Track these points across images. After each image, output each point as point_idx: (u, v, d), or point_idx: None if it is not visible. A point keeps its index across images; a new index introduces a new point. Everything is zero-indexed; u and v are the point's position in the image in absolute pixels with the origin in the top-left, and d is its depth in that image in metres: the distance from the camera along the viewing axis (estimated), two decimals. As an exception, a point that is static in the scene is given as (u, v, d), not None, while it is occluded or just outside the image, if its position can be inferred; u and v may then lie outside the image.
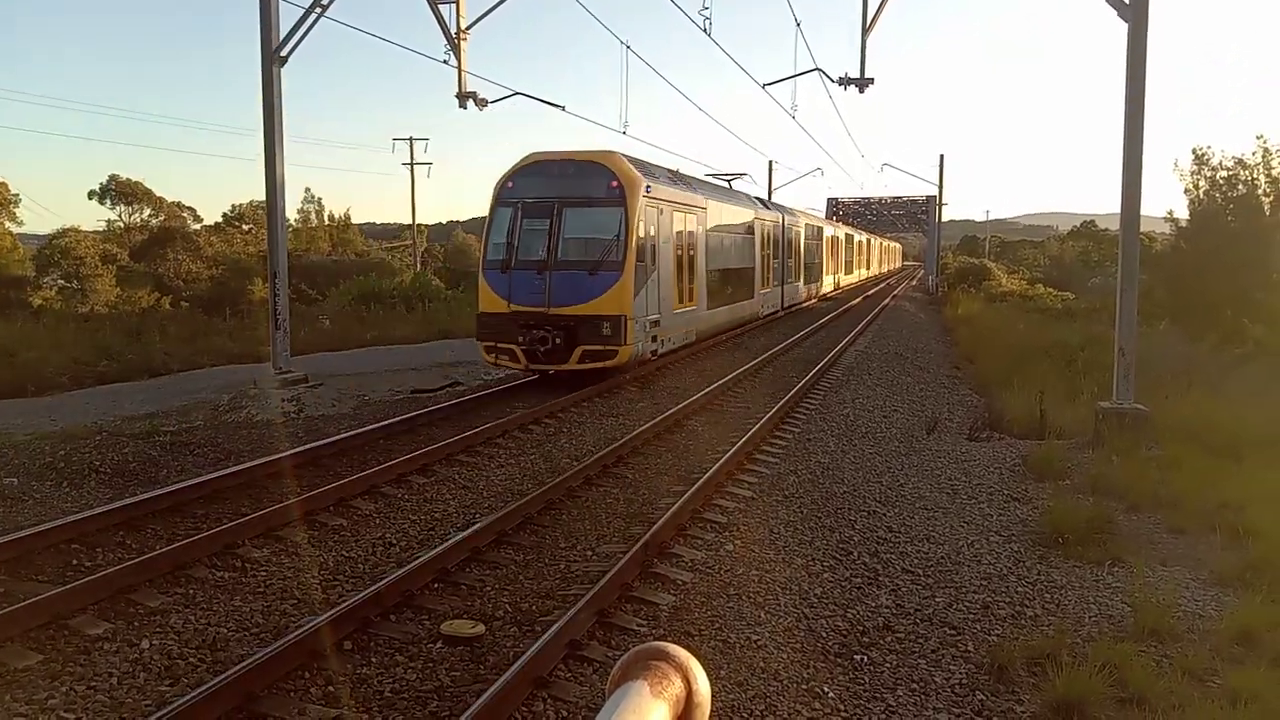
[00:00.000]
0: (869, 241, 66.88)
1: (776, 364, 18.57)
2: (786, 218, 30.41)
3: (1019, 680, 5.39)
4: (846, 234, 51.46)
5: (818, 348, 21.26)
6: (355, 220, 59.32)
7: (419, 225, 55.61)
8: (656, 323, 15.59)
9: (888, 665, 5.51)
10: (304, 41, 15.21)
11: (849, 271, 51.76)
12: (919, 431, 12.73)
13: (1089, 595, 6.86)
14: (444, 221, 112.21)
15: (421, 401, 13.83)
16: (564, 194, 14.38)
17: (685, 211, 16.96)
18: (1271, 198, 31.74)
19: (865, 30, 12.37)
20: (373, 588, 5.94)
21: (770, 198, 40.46)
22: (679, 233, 16.58)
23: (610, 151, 14.99)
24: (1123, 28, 11.41)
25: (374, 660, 5.29)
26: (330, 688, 4.98)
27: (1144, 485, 9.53)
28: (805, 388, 14.83)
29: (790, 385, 14.78)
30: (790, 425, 12.25)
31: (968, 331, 26.03)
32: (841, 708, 4.98)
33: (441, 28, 14.21)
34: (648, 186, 14.63)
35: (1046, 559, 7.63)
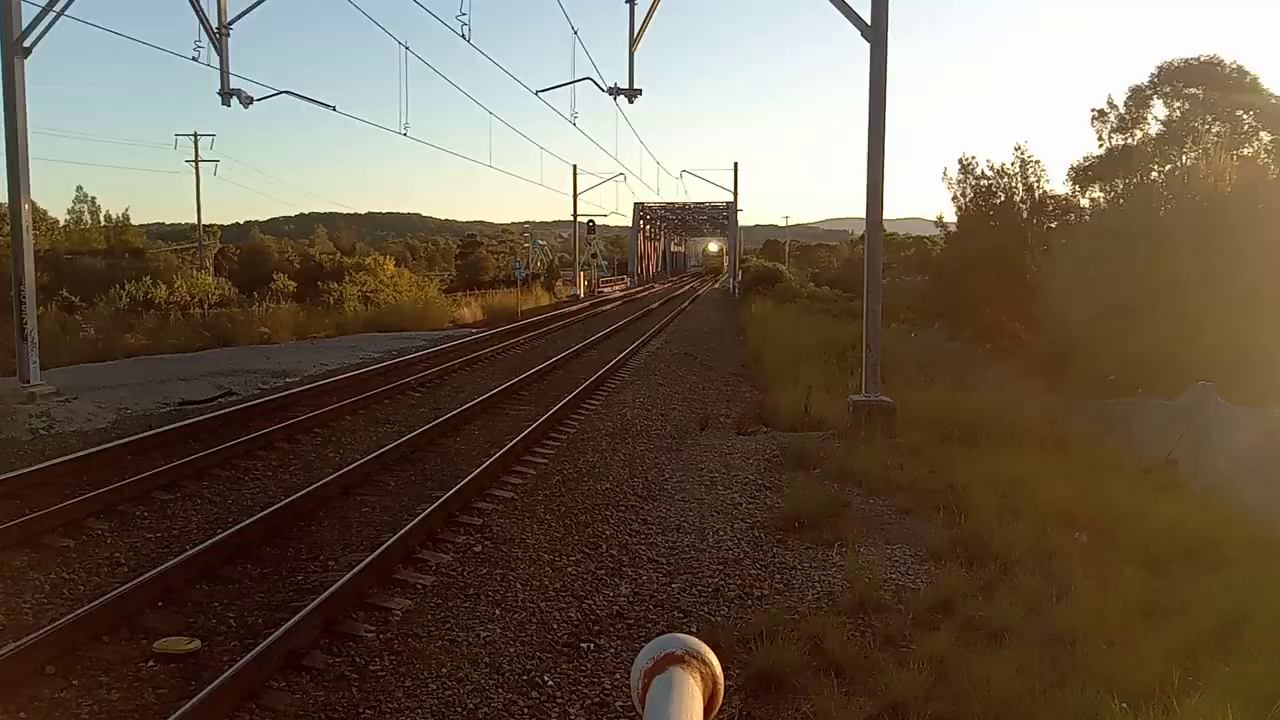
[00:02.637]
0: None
1: (569, 366, 18.83)
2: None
3: (731, 657, 5.74)
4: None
5: (612, 349, 21.68)
6: (140, 220, 55.42)
7: (212, 226, 52.69)
8: None
9: (611, 650, 5.75)
10: (61, 31, 14.18)
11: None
12: (693, 428, 13.24)
13: (814, 574, 7.36)
14: (241, 222, 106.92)
15: (187, 414, 13.18)
16: None
17: None
18: (1028, 204, 34.84)
19: (632, 42, 12.79)
20: (84, 609, 5.66)
21: (575, 202, 41.37)
22: None
23: None
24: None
25: (75, 683, 5.05)
26: (21, 715, 4.72)
27: (882, 471, 10.30)
28: (590, 388, 15.13)
29: (576, 386, 15.03)
30: (567, 426, 12.48)
31: (757, 331, 27.18)
32: (558, 695, 5.17)
33: (202, 22, 13.58)
34: None
35: (783, 542, 8.12)
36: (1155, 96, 28.99)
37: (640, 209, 63.08)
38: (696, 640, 0.95)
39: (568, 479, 9.76)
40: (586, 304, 42.01)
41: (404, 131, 16.83)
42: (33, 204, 14.67)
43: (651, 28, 12.96)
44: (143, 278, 27.85)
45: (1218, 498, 9.81)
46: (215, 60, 13.65)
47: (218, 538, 7.11)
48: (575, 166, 50.13)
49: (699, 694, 0.92)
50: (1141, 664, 5.32)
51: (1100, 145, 30.80)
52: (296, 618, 5.49)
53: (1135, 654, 5.47)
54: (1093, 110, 31.22)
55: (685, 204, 64.81)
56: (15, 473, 9.18)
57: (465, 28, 13.11)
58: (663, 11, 12.84)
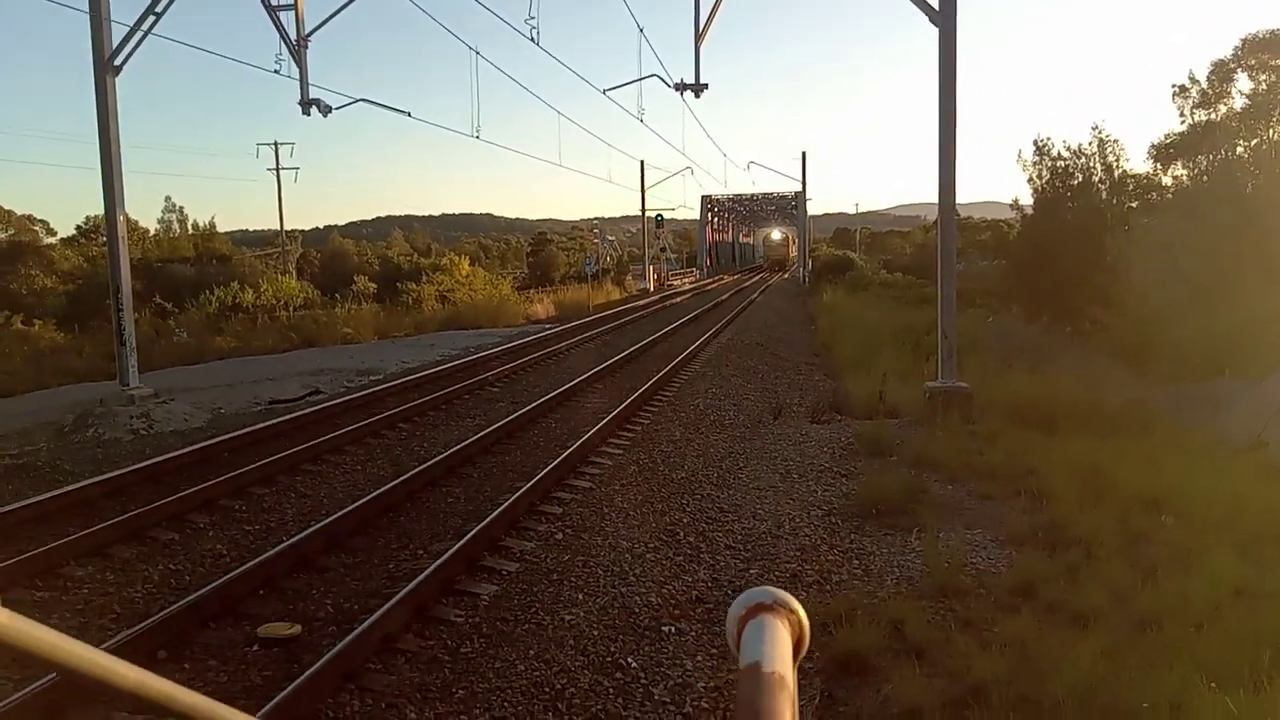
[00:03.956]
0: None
1: (640, 359, 18.99)
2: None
3: (811, 641, 5.81)
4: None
5: (683, 341, 21.79)
6: (225, 228, 57.57)
7: (294, 231, 54.31)
8: None
9: (692, 634, 5.88)
10: (145, 49, 14.84)
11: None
12: (766, 417, 13.28)
13: (893, 559, 7.39)
14: (320, 226, 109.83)
15: (277, 412, 13.69)
16: None
17: None
18: (1107, 184, 33.93)
19: (698, 37, 12.85)
20: (191, 597, 6.00)
21: (644, 197, 41.67)
22: None
23: None
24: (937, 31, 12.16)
25: (186, 667, 5.37)
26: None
27: (961, 457, 10.23)
28: (662, 380, 15.27)
29: (649, 379, 15.18)
30: (641, 417, 12.64)
31: (829, 320, 27.03)
32: (642, 676, 5.32)
33: (281, 35, 14.07)
34: None
35: (861, 529, 8.16)
36: (1239, 70, 27.92)
37: (708, 202, 63.00)
38: (784, 591, 1.07)
39: (644, 469, 9.92)
40: (656, 298, 42.17)
41: (476, 134, 17.19)
42: (126, 215, 15.32)
43: (717, 21, 13.04)
44: (230, 283, 28.91)
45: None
46: (295, 72, 14.13)
47: (312, 529, 7.44)
48: (643, 162, 50.37)
49: (788, 638, 1.05)
50: (1231, 646, 5.25)
51: (1182, 122, 29.81)
52: (390, 603, 5.74)
53: (1224, 636, 5.41)
54: (1174, 86, 30.21)
55: (753, 195, 64.53)
56: (120, 470, 9.70)
57: (534, 31, 13.29)
58: (728, 4, 12.91)
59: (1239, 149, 25.25)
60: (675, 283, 56.15)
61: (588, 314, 32.05)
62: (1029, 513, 8.50)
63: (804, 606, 1.01)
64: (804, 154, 52.38)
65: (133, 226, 37.03)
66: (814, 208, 60.56)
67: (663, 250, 55.53)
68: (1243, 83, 28.35)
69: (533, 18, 13.14)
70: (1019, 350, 18.09)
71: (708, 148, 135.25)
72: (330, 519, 7.70)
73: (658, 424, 12.29)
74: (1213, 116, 28.50)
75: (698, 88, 13.25)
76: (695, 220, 67.04)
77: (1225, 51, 28.54)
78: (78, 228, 52.08)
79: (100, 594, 6.59)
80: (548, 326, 28.17)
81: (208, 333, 23.61)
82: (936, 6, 12.01)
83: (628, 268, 62.40)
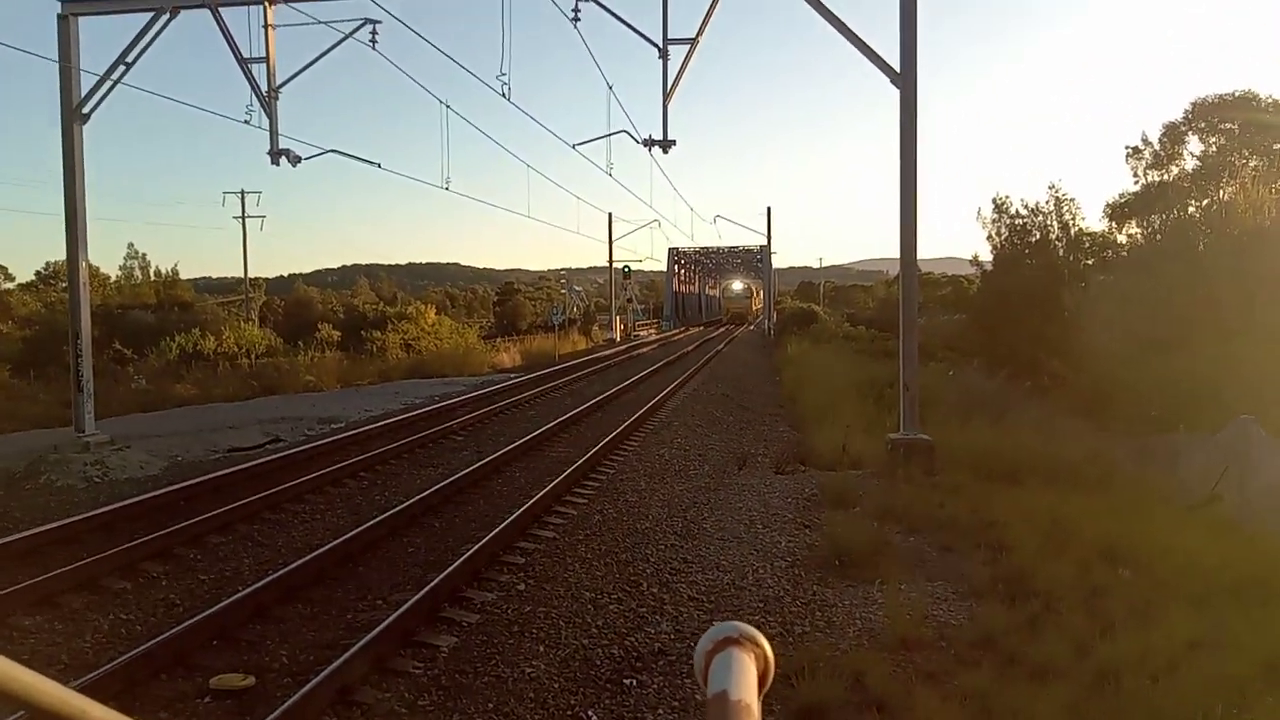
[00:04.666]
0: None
1: (606, 408, 18.99)
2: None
3: (773, 693, 5.79)
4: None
5: (650, 391, 21.82)
6: (188, 275, 57.05)
7: (258, 279, 53.93)
8: None
9: (654, 686, 5.82)
10: (114, 97, 14.83)
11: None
12: (731, 468, 13.31)
13: (855, 611, 7.39)
14: (285, 275, 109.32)
15: (236, 460, 13.49)
16: None
17: None
18: (1064, 242, 34.74)
19: (666, 96, 13.10)
20: (142, 647, 5.86)
21: (611, 248, 42.10)
22: None
23: None
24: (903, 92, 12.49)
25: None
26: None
27: (923, 509, 10.31)
28: (628, 430, 15.26)
29: (614, 428, 15.17)
30: (606, 467, 12.61)
31: (794, 372, 27.21)
32: (603, 730, 5.26)
33: (253, 87, 14.12)
34: None
35: (824, 580, 8.16)
36: (1190, 132, 28.92)
37: (675, 254, 63.56)
38: (750, 626, 1.11)
39: (608, 519, 9.88)
40: (623, 347, 42.28)
41: (446, 186, 17.26)
42: (89, 261, 15.19)
43: (684, 80, 13.29)
44: (191, 330, 28.59)
45: (1264, 532, 9.70)
46: (265, 123, 14.16)
47: (269, 579, 7.31)
48: (610, 214, 50.86)
49: (754, 670, 1.09)
50: (1186, 698, 5.30)
51: (1136, 182, 30.73)
52: (346, 655, 5.64)
53: (1180, 689, 5.46)
54: (1127, 147, 31.22)
55: (719, 248, 65.24)
56: (72, 519, 9.49)
57: (505, 86, 13.45)
58: (695, 63, 13.18)
59: (1190, 209, 26.04)
60: (642, 333, 56.37)
61: (554, 363, 32.04)
62: (990, 565, 8.55)
63: None
64: (769, 209, 53.30)
65: (94, 272, 36.60)
66: (779, 261, 61.77)
67: (629, 301, 55.82)
68: (1194, 144, 29.35)
69: (504, 73, 13.30)
70: (980, 403, 18.32)
71: (675, 201, 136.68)
72: (288, 568, 7.57)
73: (623, 474, 12.27)
74: (1165, 177, 29.42)
75: (665, 144, 13.48)
76: (662, 272, 67.57)
77: (1176, 114, 29.58)
78: (37, 273, 51.50)
79: (48, 644, 6.40)
80: (513, 376, 28.10)
81: (168, 379, 23.29)
82: (897, 69, 12.34)
83: (595, 318, 62.59)
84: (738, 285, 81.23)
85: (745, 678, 1.05)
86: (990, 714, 5.51)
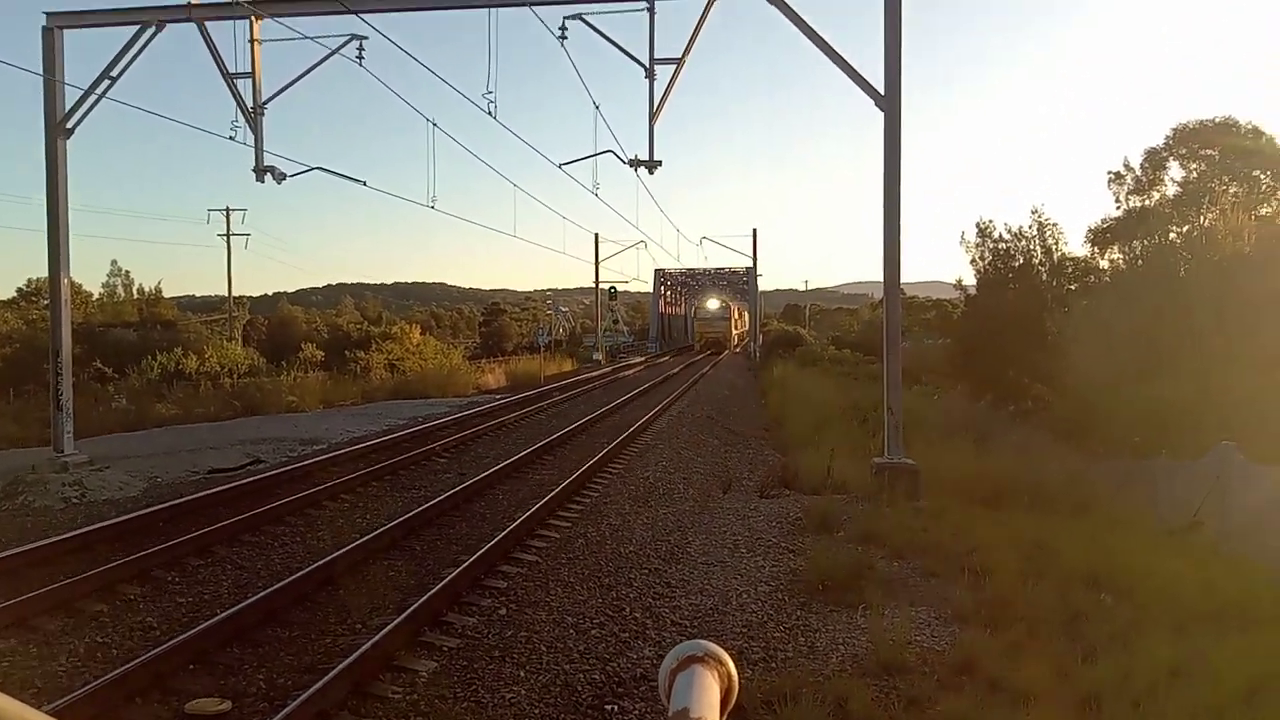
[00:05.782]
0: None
1: (591, 430, 18.95)
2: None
3: (754, 718, 5.76)
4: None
5: (635, 413, 21.81)
6: (172, 293, 56.89)
7: (242, 297, 53.71)
8: None
9: (635, 712, 5.78)
10: (98, 112, 14.80)
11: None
12: (715, 492, 13.29)
13: (839, 637, 7.37)
14: (269, 293, 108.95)
15: (216, 481, 13.38)
16: None
17: None
18: (1047, 267, 35.00)
19: (652, 116, 13.17)
20: (117, 670, 5.78)
21: (597, 269, 42.31)
22: None
23: None
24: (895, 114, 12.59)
25: (109, 747, 5.15)
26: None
27: (907, 534, 10.31)
28: (613, 453, 15.23)
29: (599, 450, 15.14)
30: (591, 490, 12.57)
31: (779, 395, 27.26)
32: (583, 757, 5.21)
33: (238, 102, 14.12)
34: None
35: (807, 606, 8.14)
36: (1171, 158, 29.24)
37: (661, 275, 63.64)
38: (714, 645, 1.10)
39: (591, 542, 9.83)
40: (609, 370, 42.25)
41: (432, 204, 17.23)
42: (71, 278, 15.10)
43: (670, 101, 13.37)
44: (174, 349, 28.42)
45: (1244, 557, 9.75)
46: (251, 139, 14.15)
47: (247, 602, 7.23)
48: (597, 235, 50.98)
49: (717, 688, 1.09)
50: (1168, 725, 5.30)
51: (1118, 207, 31.00)
52: (325, 679, 5.58)
53: (1160, 715, 5.46)
54: (1109, 173, 31.51)
55: (705, 270, 65.35)
56: (49, 540, 9.38)
57: (491, 105, 13.48)
58: (682, 84, 13.26)
59: (1172, 234, 26.27)
60: (626, 356, 56.29)
61: (539, 385, 31.98)
62: (972, 590, 8.55)
63: (749, 683, 1.06)
64: (754, 231, 53.37)
65: (76, 289, 36.41)
66: (765, 284, 61.85)
67: (616, 323, 55.84)
68: (1175, 171, 29.66)
69: (490, 92, 13.32)
70: (964, 427, 18.39)
71: (661, 222, 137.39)
72: (267, 591, 7.49)
73: (607, 497, 12.23)
74: (1147, 202, 29.70)
75: (651, 164, 13.53)
76: (648, 293, 67.60)
77: (1158, 139, 29.91)
78: (18, 290, 51.10)
79: (21, 667, 6.30)
80: (498, 397, 28.03)
81: (148, 399, 23.10)
82: (882, 92, 12.45)
83: (581, 339, 62.53)
84: (713, 304, 71.72)
85: (707, 696, 1.05)
86: (973, 741, 5.49)
